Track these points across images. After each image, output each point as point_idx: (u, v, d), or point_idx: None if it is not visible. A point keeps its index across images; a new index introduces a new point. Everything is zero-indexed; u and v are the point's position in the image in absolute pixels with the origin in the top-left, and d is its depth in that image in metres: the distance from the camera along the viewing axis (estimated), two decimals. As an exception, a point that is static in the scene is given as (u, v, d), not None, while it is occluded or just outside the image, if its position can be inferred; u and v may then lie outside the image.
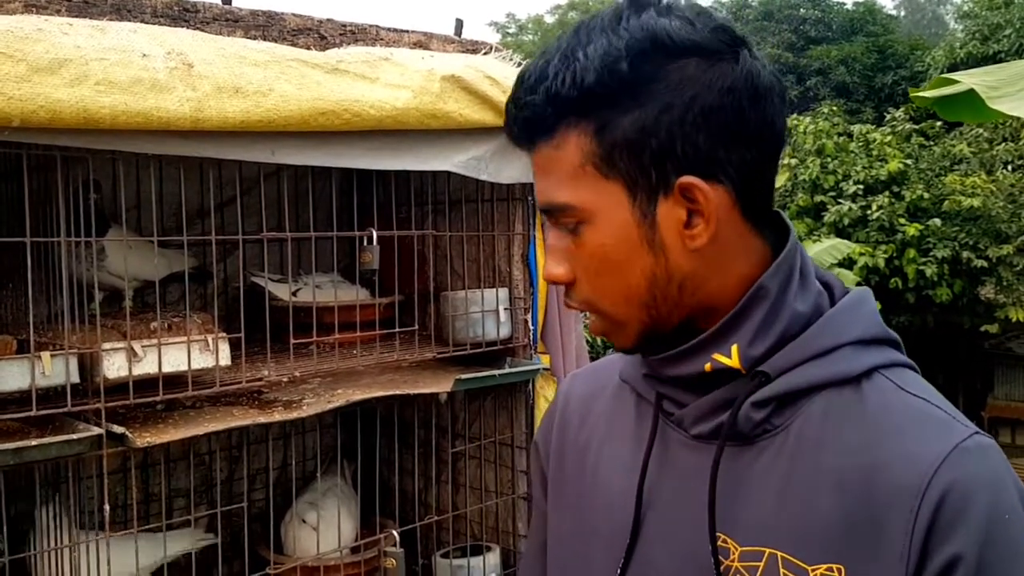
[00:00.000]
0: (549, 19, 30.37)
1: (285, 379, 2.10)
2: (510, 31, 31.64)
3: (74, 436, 1.68)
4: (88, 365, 1.81)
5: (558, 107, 0.84)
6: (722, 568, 0.86)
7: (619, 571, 0.93)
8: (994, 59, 13.37)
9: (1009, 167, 12.30)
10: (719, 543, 0.87)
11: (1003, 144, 12.41)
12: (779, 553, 0.83)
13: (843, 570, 0.80)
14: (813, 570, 0.81)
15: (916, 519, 0.78)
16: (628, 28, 0.83)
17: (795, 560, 0.82)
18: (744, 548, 0.85)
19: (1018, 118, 3.48)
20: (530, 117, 0.86)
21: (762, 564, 0.84)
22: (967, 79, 3.59)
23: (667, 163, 0.84)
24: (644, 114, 0.83)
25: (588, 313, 0.94)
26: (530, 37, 30.12)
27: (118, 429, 1.74)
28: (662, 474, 0.93)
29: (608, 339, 0.94)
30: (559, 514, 1.06)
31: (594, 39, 0.83)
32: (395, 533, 2.33)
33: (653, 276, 0.87)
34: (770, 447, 0.87)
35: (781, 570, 0.83)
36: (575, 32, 0.86)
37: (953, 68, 13.37)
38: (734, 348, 0.87)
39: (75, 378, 1.76)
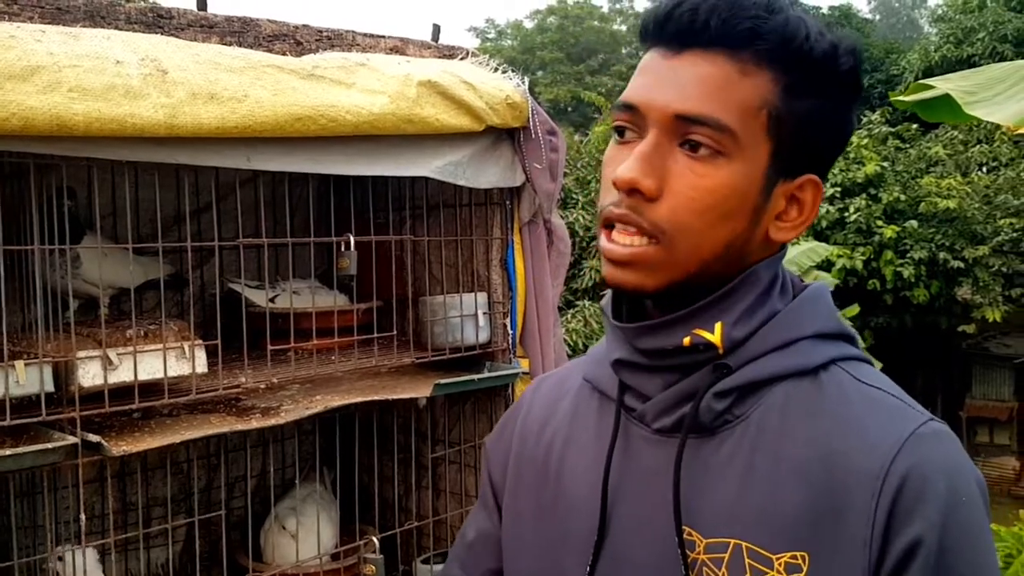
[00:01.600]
0: (528, 24, 30.43)
1: (263, 386, 2.09)
2: (489, 36, 31.65)
3: (49, 445, 1.67)
4: (63, 374, 1.79)
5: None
6: (689, 560, 0.86)
7: (588, 570, 0.93)
8: (968, 62, 13.51)
9: (984, 169, 12.44)
10: (685, 536, 0.87)
11: (978, 146, 12.54)
12: (744, 543, 0.84)
13: (807, 557, 0.81)
14: (778, 559, 0.82)
15: (877, 504, 0.80)
16: (830, 30, 0.88)
17: (759, 549, 0.83)
18: (709, 540, 0.86)
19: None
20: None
21: (727, 555, 0.85)
22: (943, 84, 3.63)
23: (808, 155, 0.89)
24: (825, 105, 0.88)
25: (620, 236, 0.88)
26: (509, 42, 30.14)
27: (94, 438, 1.73)
28: (626, 471, 0.94)
29: (631, 272, 0.88)
30: (519, 524, 1.04)
31: (810, 22, 0.86)
32: (375, 540, 2.33)
33: (734, 241, 0.88)
34: (731, 438, 0.88)
35: (746, 559, 0.84)
36: None
37: (928, 71, 13.52)
38: (718, 326, 0.88)
39: (49, 387, 1.74)
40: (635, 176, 0.85)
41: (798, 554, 0.82)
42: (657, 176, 0.85)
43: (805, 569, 0.81)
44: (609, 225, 0.89)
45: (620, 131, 0.90)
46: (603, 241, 0.89)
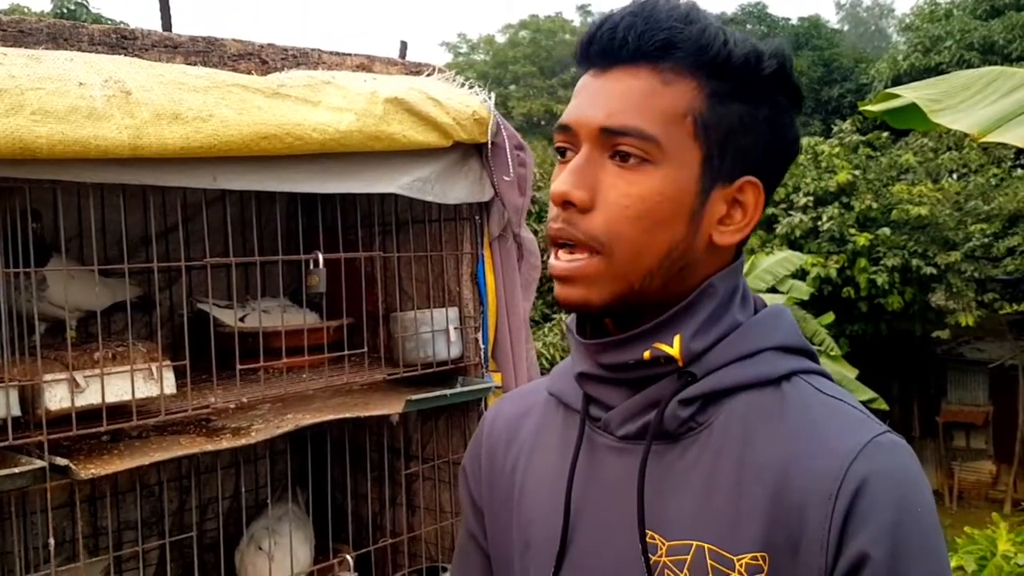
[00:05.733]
0: (500, 38, 30.51)
1: (233, 406, 2.08)
2: (462, 50, 31.72)
3: (16, 470, 1.65)
4: (30, 397, 1.78)
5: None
6: (651, 563, 0.88)
7: None
8: (936, 70, 13.68)
9: (954, 175, 12.58)
10: (648, 540, 0.89)
11: (948, 153, 12.68)
12: (706, 545, 0.86)
13: (767, 558, 0.83)
14: (739, 559, 0.84)
15: (834, 508, 0.82)
16: (766, 41, 0.90)
17: (721, 551, 0.85)
18: (671, 543, 0.88)
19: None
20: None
21: (689, 557, 0.86)
22: (910, 93, 3.67)
23: (743, 160, 0.90)
24: (755, 111, 0.89)
25: (563, 253, 0.89)
26: (481, 56, 30.22)
27: (61, 461, 1.71)
28: (590, 479, 0.95)
29: (575, 287, 0.89)
30: (497, 540, 1.06)
31: (728, 31, 0.88)
32: (349, 558, 2.32)
33: (674, 248, 0.89)
34: (694, 444, 0.90)
35: (708, 561, 0.85)
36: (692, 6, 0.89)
37: (897, 80, 13.67)
38: (677, 339, 0.90)
39: (16, 411, 1.73)
40: (566, 188, 0.88)
41: (759, 555, 0.84)
42: (588, 187, 0.88)
43: (765, 569, 0.83)
44: (556, 245, 0.91)
45: (561, 152, 0.93)
46: (551, 260, 0.92)
